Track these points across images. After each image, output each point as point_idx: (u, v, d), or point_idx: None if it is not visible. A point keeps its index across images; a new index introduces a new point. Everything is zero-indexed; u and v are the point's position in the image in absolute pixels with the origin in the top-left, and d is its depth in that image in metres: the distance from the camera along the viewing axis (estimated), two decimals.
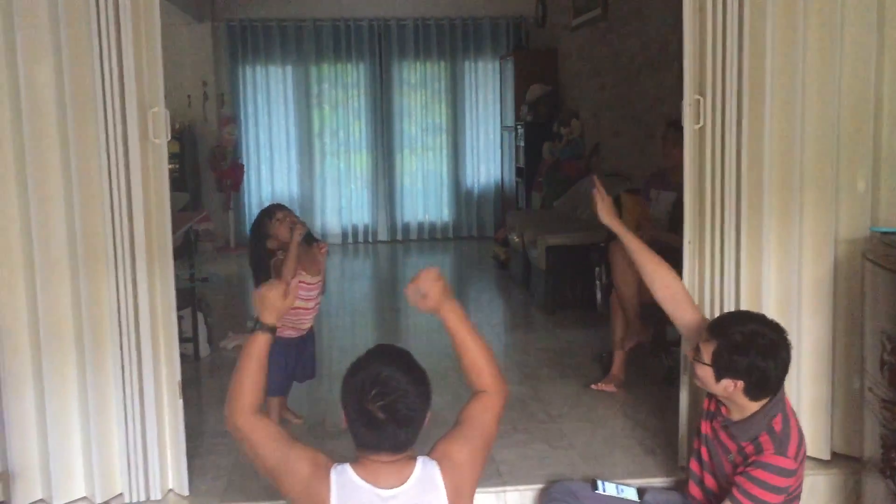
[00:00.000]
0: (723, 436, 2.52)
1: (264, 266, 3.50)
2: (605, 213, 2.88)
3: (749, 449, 2.42)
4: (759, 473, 2.35)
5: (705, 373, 2.44)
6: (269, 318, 2.17)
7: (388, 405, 1.92)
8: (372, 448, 1.97)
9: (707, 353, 2.43)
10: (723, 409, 2.52)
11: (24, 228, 2.75)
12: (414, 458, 2.02)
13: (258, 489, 2.98)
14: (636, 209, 4.52)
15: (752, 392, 2.40)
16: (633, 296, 3.97)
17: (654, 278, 2.79)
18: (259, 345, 2.15)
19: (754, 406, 2.43)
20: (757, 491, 2.34)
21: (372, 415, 1.92)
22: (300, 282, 3.43)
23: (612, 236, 4.44)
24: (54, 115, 2.71)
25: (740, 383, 2.39)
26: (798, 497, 2.47)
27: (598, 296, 4.77)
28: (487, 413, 2.14)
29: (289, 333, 3.51)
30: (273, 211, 3.57)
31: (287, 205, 10.17)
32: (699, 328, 2.65)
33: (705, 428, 2.61)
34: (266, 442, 2.06)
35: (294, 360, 3.60)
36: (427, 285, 2.15)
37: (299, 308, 3.47)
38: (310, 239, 3.62)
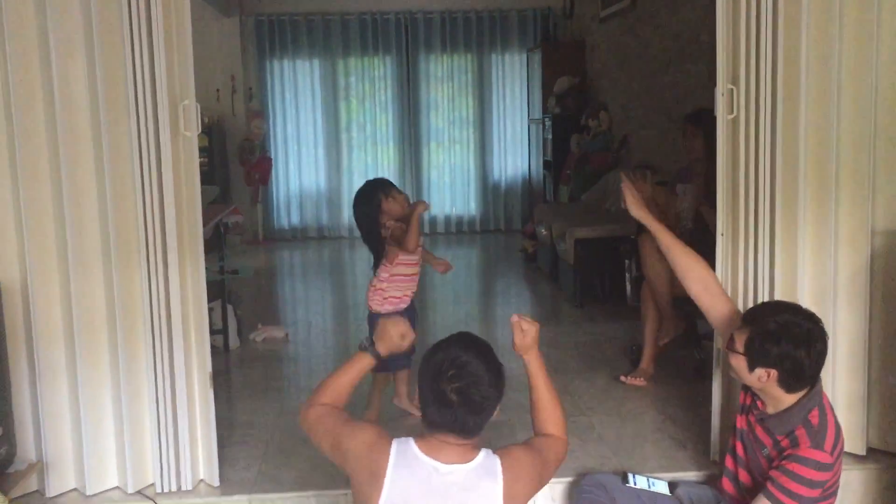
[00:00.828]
0: (758, 430, 2.48)
1: (377, 236, 3.57)
2: (636, 207, 2.86)
3: (785, 443, 2.39)
4: (794, 467, 2.32)
5: (739, 362, 2.41)
6: (382, 349, 2.30)
7: (462, 388, 1.97)
8: (440, 428, 2.01)
9: (740, 341, 2.40)
10: (759, 403, 2.49)
11: (57, 221, 2.78)
12: (478, 448, 2.06)
13: (289, 480, 3.00)
14: (662, 201, 4.47)
15: (787, 383, 2.37)
16: (665, 288, 3.94)
17: (686, 273, 2.76)
18: (361, 364, 2.30)
19: (790, 399, 2.40)
20: (792, 485, 2.31)
21: (445, 395, 1.97)
22: (408, 263, 3.55)
23: (641, 228, 4.41)
24: (87, 109, 2.73)
25: (774, 373, 2.36)
26: (835, 493, 2.44)
27: (629, 289, 4.73)
28: (551, 451, 2.21)
29: (399, 304, 3.57)
30: (389, 188, 3.54)
31: (316, 198, 10.12)
32: (732, 321, 2.62)
33: (741, 423, 2.58)
34: (330, 417, 2.17)
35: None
36: (529, 325, 2.31)
37: (404, 276, 3.57)
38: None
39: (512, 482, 2.02)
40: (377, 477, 1.99)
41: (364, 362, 2.30)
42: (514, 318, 2.30)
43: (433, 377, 2.00)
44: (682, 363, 4.21)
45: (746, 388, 2.57)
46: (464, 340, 2.08)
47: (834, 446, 2.36)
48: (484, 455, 2.05)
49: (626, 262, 4.76)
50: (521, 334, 2.29)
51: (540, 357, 2.32)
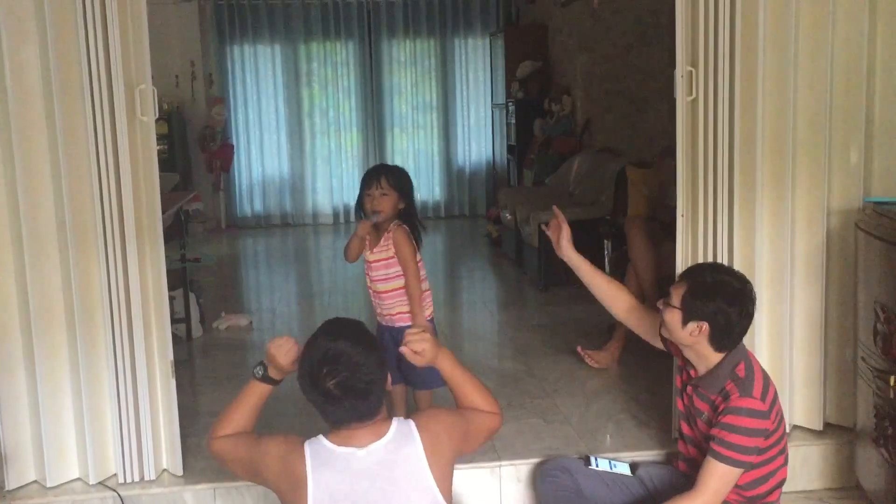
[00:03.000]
0: (695, 400, 2.53)
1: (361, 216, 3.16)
2: (564, 248, 2.83)
3: (718, 401, 2.44)
4: (728, 419, 2.36)
5: (673, 317, 2.46)
6: (273, 373, 2.23)
7: (341, 382, 1.94)
8: (340, 422, 2.00)
9: (676, 296, 2.46)
10: (691, 372, 2.55)
11: (11, 207, 2.73)
12: (388, 420, 2.05)
13: None
14: (642, 183, 4.50)
15: (716, 340, 2.43)
16: (651, 272, 4.00)
17: (612, 300, 2.85)
18: (255, 392, 2.25)
19: (717, 357, 2.46)
20: (731, 437, 2.34)
21: (329, 392, 1.95)
22: (366, 261, 3.18)
23: (625, 212, 4.49)
24: (40, 93, 2.68)
25: (705, 326, 2.41)
26: (783, 452, 2.48)
27: (607, 268, 4.77)
28: (477, 417, 2.21)
29: (382, 319, 3.22)
30: (367, 182, 3.11)
31: (279, 185, 9.87)
32: (657, 329, 2.69)
33: (680, 404, 2.64)
34: (237, 447, 2.15)
35: (389, 350, 3.03)
36: (418, 345, 2.20)
37: (371, 289, 3.20)
38: (408, 217, 3.18)
39: (432, 439, 2.03)
40: (299, 484, 1.96)
41: (257, 389, 2.24)
42: (403, 349, 2.20)
43: (311, 379, 1.97)
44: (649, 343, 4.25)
45: (680, 369, 2.63)
46: (330, 330, 2.05)
47: (764, 393, 2.40)
48: (396, 424, 2.04)
49: (605, 241, 4.82)
50: (419, 356, 2.21)
51: (448, 355, 2.26)
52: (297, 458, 1.99)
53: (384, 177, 3.08)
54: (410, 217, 3.16)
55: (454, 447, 2.10)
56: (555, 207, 2.96)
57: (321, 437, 2.02)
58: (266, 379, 2.23)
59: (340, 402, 1.95)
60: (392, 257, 3.11)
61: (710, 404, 2.48)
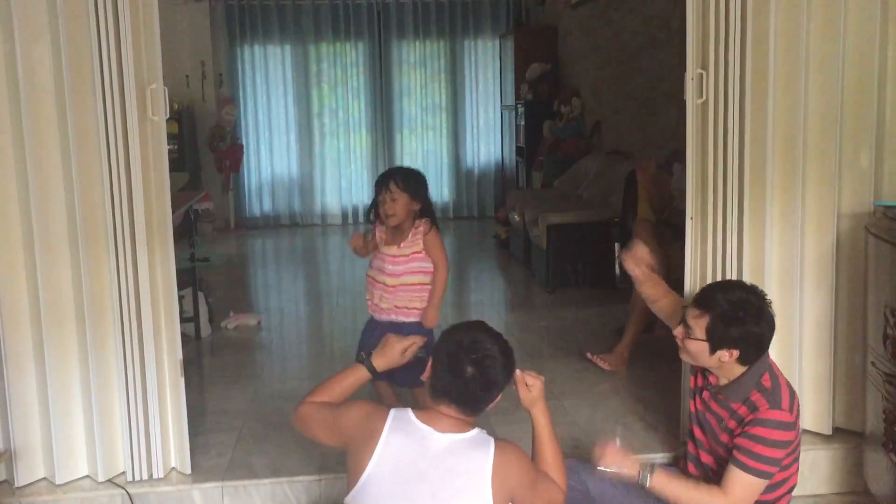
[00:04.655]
0: (713, 405, 2.52)
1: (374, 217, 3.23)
2: (643, 280, 2.95)
3: (742, 410, 2.42)
4: (757, 431, 2.35)
5: (699, 347, 2.44)
6: (378, 362, 2.38)
7: (478, 360, 2.06)
8: (445, 397, 2.08)
9: (700, 328, 2.42)
10: (710, 379, 2.54)
11: (23, 207, 2.74)
12: (474, 427, 2.12)
13: (261, 466, 2.99)
14: (651, 186, 4.49)
15: (746, 358, 2.42)
16: (661, 274, 3.96)
17: (672, 315, 2.80)
18: (355, 375, 2.38)
19: (742, 369, 2.45)
20: (758, 448, 2.34)
21: (462, 365, 2.05)
22: (381, 253, 3.20)
23: (635, 215, 4.48)
24: (52, 93, 2.69)
25: (735, 352, 2.40)
26: (797, 458, 2.48)
27: (617, 271, 4.76)
28: (547, 482, 2.22)
29: (381, 313, 3.21)
30: (378, 188, 3.14)
31: (288, 185, 9.84)
32: (677, 308, 2.69)
33: (694, 406, 2.62)
34: (321, 409, 2.25)
35: (368, 343, 3.15)
36: (534, 379, 2.29)
37: (378, 280, 3.19)
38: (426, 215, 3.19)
39: (504, 463, 2.05)
40: (372, 438, 2.05)
41: (357, 374, 2.37)
42: (518, 373, 2.27)
43: (452, 348, 2.08)
44: (659, 345, 4.25)
45: (695, 371, 2.61)
46: (482, 325, 2.17)
47: (791, 404, 2.40)
48: (478, 432, 2.11)
49: (616, 244, 4.81)
50: (526, 389, 2.29)
51: (546, 411, 2.32)
52: (380, 417, 2.09)
53: (393, 181, 3.11)
54: (429, 216, 3.20)
55: (517, 485, 2.09)
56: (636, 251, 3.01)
57: (408, 410, 2.12)
58: (368, 365, 2.37)
59: (463, 379, 2.05)
60: (419, 252, 3.15)
61: (729, 411, 2.46)
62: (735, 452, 2.38)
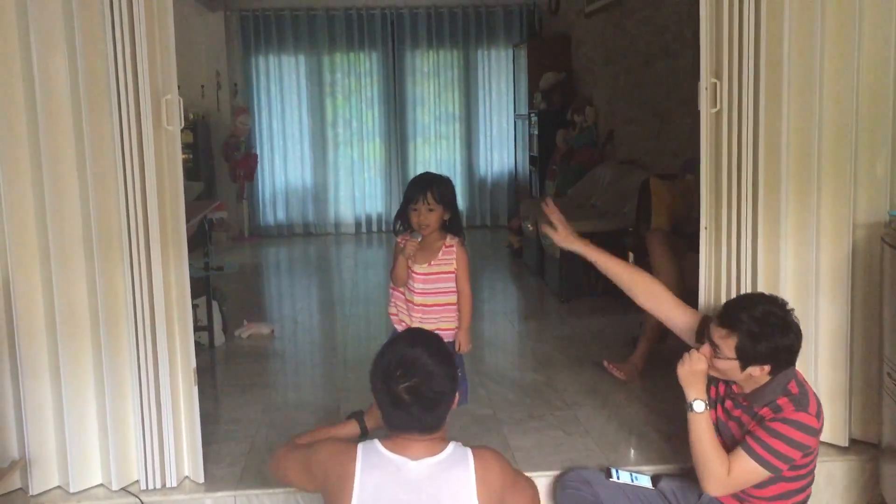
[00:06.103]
0: (737, 412, 2.51)
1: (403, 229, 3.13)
2: (563, 238, 2.84)
3: (766, 413, 2.41)
4: (778, 426, 2.34)
5: (730, 365, 2.42)
6: (371, 423, 2.43)
7: (413, 387, 1.96)
8: (401, 429, 2.01)
9: (728, 347, 2.40)
10: (734, 387, 2.52)
11: (39, 216, 2.76)
12: (446, 441, 2.05)
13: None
14: (666, 195, 4.48)
15: (777, 369, 2.41)
16: (673, 284, 3.94)
17: (632, 287, 2.81)
18: (346, 431, 2.46)
19: (768, 378, 2.44)
20: (772, 441, 2.33)
21: (398, 396, 1.96)
22: (414, 273, 3.07)
23: (648, 225, 4.45)
24: (68, 103, 2.71)
25: (767, 367, 2.39)
26: (812, 473, 2.46)
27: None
28: (527, 484, 2.19)
29: (397, 324, 3.14)
30: (413, 196, 3.04)
31: (302, 194, 9.83)
32: (694, 324, 2.66)
33: (715, 415, 2.60)
34: (301, 450, 2.20)
35: None
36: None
37: (414, 303, 3.08)
38: (454, 228, 3.13)
39: (485, 472, 2.02)
40: (345, 481, 1.98)
41: (351, 430, 2.41)
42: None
43: (384, 379, 1.99)
44: (673, 355, 4.21)
45: (716, 380, 2.59)
46: (410, 337, 2.08)
47: (818, 412, 2.39)
48: (453, 447, 2.04)
49: (630, 254, 4.79)
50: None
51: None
52: (349, 456, 2.02)
53: (430, 192, 3.01)
54: (457, 228, 3.12)
55: (501, 487, 2.06)
56: (547, 201, 2.92)
57: (376, 441, 2.04)
58: (362, 426, 2.45)
59: (407, 408, 1.96)
60: (451, 272, 3.07)
61: (752, 415, 2.45)
62: (747, 437, 2.38)
